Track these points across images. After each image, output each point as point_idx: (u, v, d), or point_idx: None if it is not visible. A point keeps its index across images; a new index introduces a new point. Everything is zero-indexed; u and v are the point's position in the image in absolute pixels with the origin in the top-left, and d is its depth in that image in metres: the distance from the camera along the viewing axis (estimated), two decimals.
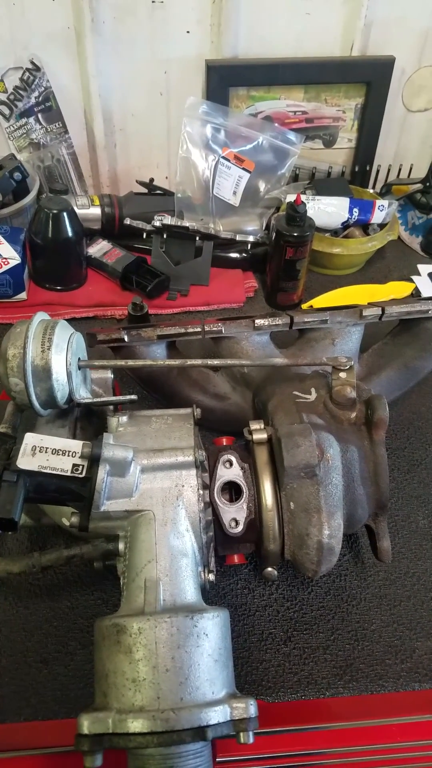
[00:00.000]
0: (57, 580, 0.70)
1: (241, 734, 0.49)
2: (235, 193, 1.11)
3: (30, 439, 0.58)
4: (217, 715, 0.48)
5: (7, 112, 1.10)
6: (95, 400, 0.67)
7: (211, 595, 0.69)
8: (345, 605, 0.69)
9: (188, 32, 1.07)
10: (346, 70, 1.14)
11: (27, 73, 1.07)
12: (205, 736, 0.47)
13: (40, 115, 1.12)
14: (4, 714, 0.61)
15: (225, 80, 1.11)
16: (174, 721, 0.47)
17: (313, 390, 0.66)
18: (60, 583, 0.70)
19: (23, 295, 1.01)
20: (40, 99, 1.10)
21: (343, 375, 0.64)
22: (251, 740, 0.49)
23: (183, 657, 0.49)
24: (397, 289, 1.04)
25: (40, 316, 0.64)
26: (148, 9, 1.04)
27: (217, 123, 1.09)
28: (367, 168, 1.24)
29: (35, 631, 0.66)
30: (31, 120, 1.12)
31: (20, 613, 0.67)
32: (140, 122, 1.17)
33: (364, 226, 1.11)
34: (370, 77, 1.14)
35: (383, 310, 0.75)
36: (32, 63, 1.07)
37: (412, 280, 1.09)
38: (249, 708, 0.49)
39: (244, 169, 1.09)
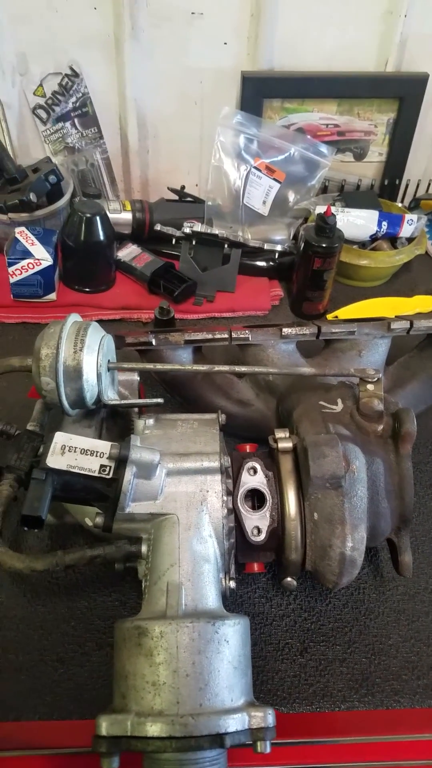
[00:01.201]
0: (75, 579, 0.70)
1: (259, 743, 0.49)
2: (264, 202, 1.12)
3: (60, 438, 0.58)
4: (235, 723, 0.48)
5: (44, 116, 1.12)
6: (123, 402, 0.67)
7: (230, 603, 0.68)
8: (363, 618, 0.69)
9: (225, 43, 1.09)
10: (379, 86, 1.14)
11: (66, 79, 1.10)
12: (223, 743, 0.47)
13: (76, 120, 1.14)
14: (19, 712, 0.62)
15: (259, 91, 1.12)
16: (192, 727, 0.47)
17: (339, 400, 0.66)
18: (78, 583, 0.70)
19: (53, 296, 1.03)
20: (77, 104, 1.12)
21: (370, 387, 0.64)
22: (268, 750, 0.48)
23: (203, 662, 0.49)
24: (423, 303, 1.04)
25: (74, 318, 0.65)
26: (187, 19, 1.05)
27: (250, 133, 1.10)
28: (397, 182, 1.24)
29: (53, 629, 0.67)
30: (68, 124, 1.14)
31: (38, 611, 0.68)
32: (173, 130, 1.19)
33: (392, 239, 1.11)
34: (403, 93, 1.15)
35: (411, 324, 0.75)
36: (71, 69, 1.09)
37: None
38: (267, 717, 0.49)
39: (274, 179, 1.10)
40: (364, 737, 0.65)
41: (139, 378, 0.73)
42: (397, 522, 0.62)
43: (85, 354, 0.61)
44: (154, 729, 0.47)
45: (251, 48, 1.10)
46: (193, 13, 1.05)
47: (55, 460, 0.57)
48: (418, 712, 0.64)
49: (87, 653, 0.66)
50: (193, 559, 0.55)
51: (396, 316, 0.79)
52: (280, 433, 0.64)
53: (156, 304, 0.91)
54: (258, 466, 0.62)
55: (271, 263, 1.10)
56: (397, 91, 1.15)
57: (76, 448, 0.57)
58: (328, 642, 0.67)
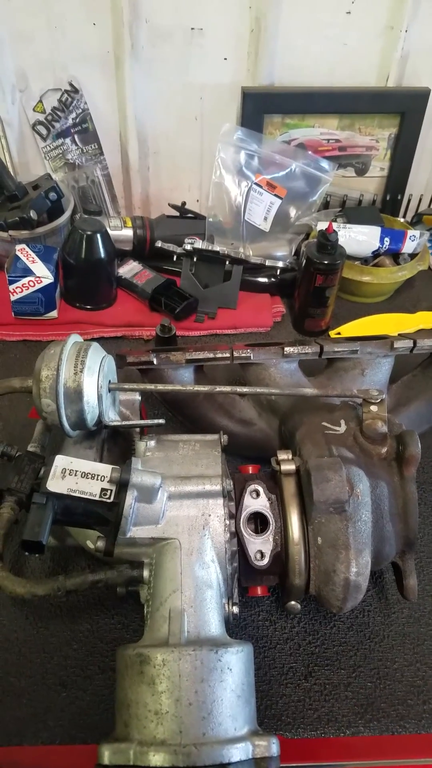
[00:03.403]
0: (77, 602, 0.70)
1: None
2: (266, 218, 1.12)
3: (60, 461, 0.58)
4: (239, 753, 0.47)
5: (44, 132, 1.13)
6: (124, 423, 0.67)
7: (232, 626, 0.68)
8: (367, 642, 0.68)
9: (225, 59, 1.10)
10: (380, 101, 1.15)
11: (65, 95, 1.10)
12: None
13: (76, 136, 1.15)
14: (21, 736, 0.61)
15: (260, 107, 1.12)
16: (195, 757, 0.46)
17: (342, 422, 0.66)
18: (80, 606, 0.70)
19: (54, 314, 1.03)
20: (77, 120, 1.13)
21: (374, 408, 0.63)
22: None
23: (206, 691, 0.49)
24: (426, 319, 1.04)
25: (74, 339, 0.65)
26: (187, 35, 1.06)
27: (251, 149, 1.10)
28: (399, 197, 1.24)
29: (55, 653, 0.66)
30: (68, 141, 1.15)
31: (40, 633, 0.67)
32: (174, 146, 1.19)
33: (395, 255, 1.11)
34: (405, 108, 1.15)
35: (415, 343, 0.74)
36: (71, 85, 1.10)
37: None
38: (271, 746, 0.49)
39: (275, 195, 1.10)
40: (369, 762, 0.64)
41: (140, 398, 0.73)
42: (402, 545, 0.61)
43: (85, 375, 0.61)
44: (156, 759, 0.46)
45: (251, 63, 1.10)
46: (192, 28, 1.05)
47: (55, 483, 0.56)
48: (424, 737, 0.63)
49: (90, 677, 0.65)
50: (196, 585, 0.55)
51: (399, 334, 0.79)
52: (282, 455, 0.63)
53: (157, 321, 0.91)
54: (260, 489, 0.61)
55: (272, 280, 1.10)
56: (399, 106, 1.16)
57: (76, 471, 0.57)
58: (332, 666, 0.66)
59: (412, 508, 0.59)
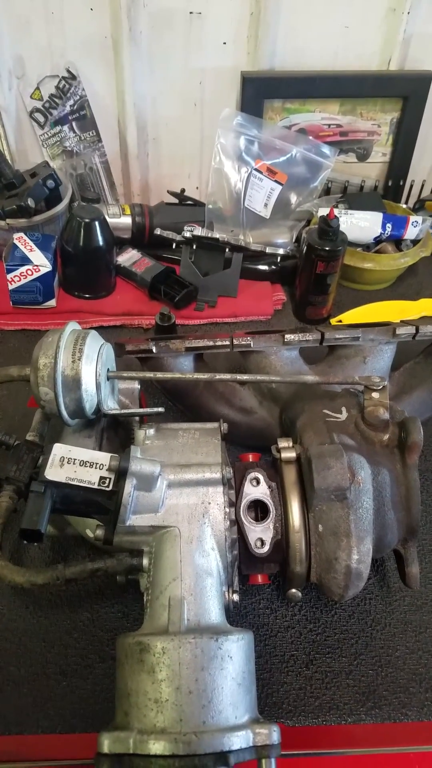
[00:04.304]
0: (78, 591, 0.70)
1: (264, 761, 0.47)
2: (266, 205, 1.10)
3: (58, 450, 0.58)
4: (239, 741, 0.47)
5: (42, 119, 1.11)
6: (123, 411, 0.66)
7: (233, 614, 0.68)
8: (369, 629, 0.68)
9: (225, 43, 1.08)
10: (382, 85, 1.13)
11: (63, 82, 1.09)
12: (227, 761, 0.46)
13: (74, 124, 1.13)
14: (22, 725, 0.61)
15: (260, 92, 1.10)
16: (196, 745, 0.46)
17: (344, 409, 0.65)
18: (81, 595, 0.69)
19: (52, 303, 1.02)
20: (75, 107, 1.11)
21: (375, 395, 0.62)
22: (273, 767, 0.47)
23: (206, 679, 0.48)
24: (429, 306, 1.02)
25: (72, 326, 0.64)
26: (186, 19, 1.04)
27: (251, 135, 1.09)
28: (401, 183, 1.22)
29: (55, 642, 0.66)
30: (65, 128, 1.13)
31: (41, 623, 0.67)
32: (173, 132, 1.18)
33: (397, 242, 1.10)
34: (407, 92, 1.13)
35: (417, 329, 0.73)
36: (68, 71, 1.08)
37: None
38: (272, 734, 0.48)
39: (276, 181, 1.08)
40: (371, 749, 0.64)
41: (139, 386, 0.73)
42: (404, 533, 0.61)
43: (83, 363, 0.60)
44: (157, 747, 0.46)
45: (251, 47, 1.08)
46: (191, 12, 1.04)
47: (54, 472, 0.56)
48: (426, 725, 0.62)
49: (90, 665, 0.65)
50: (196, 573, 0.54)
51: (401, 321, 0.78)
52: (283, 443, 0.63)
53: (157, 309, 0.90)
54: (261, 477, 0.61)
55: (273, 267, 1.09)
56: (401, 90, 1.14)
57: (75, 460, 0.57)
58: (334, 654, 0.66)
59: (414, 495, 0.59)
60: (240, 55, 1.09)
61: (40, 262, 0.96)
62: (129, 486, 0.55)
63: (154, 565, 0.56)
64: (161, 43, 1.06)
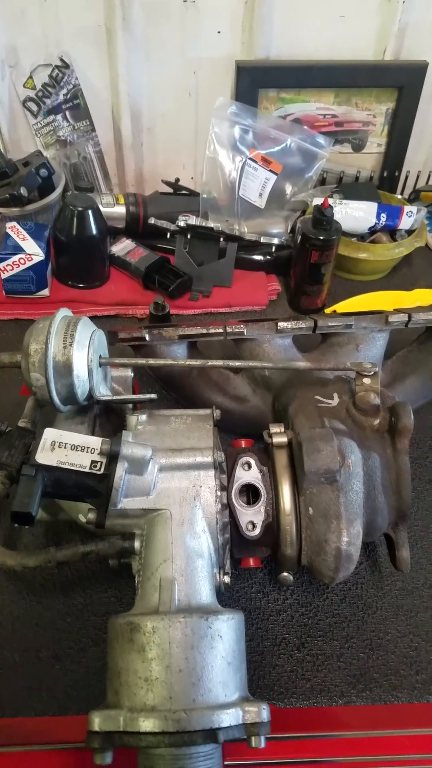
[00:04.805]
0: (71, 576, 0.70)
1: (253, 738, 0.48)
2: (261, 195, 1.10)
3: (49, 434, 0.58)
4: (229, 718, 0.48)
5: (35, 108, 1.11)
6: (115, 397, 0.67)
7: (226, 598, 0.68)
8: (360, 613, 0.68)
9: (219, 32, 1.07)
10: (378, 75, 1.12)
11: (56, 71, 1.08)
12: (217, 738, 0.47)
13: (67, 113, 1.13)
14: (16, 708, 0.61)
15: (255, 81, 1.10)
16: (185, 722, 0.46)
17: (335, 395, 0.65)
18: (74, 579, 0.70)
19: (46, 292, 1.02)
20: (69, 96, 1.11)
21: (367, 381, 0.63)
22: (263, 745, 0.48)
23: (196, 658, 0.49)
24: (424, 296, 1.03)
25: (63, 313, 0.64)
26: (180, 8, 1.04)
27: (246, 124, 1.08)
28: (396, 173, 1.22)
29: (48, 626, 0.66)
30: (59, 117, 1.13)
31: (34, 608, 0.68)
32: (168, 122, 1.17)
33: (392, 232, 1.10)
34: (403, 82, 1.13)
35: (410, 317, 0.74)
36: (62, 60, 1.08)
37: None
38: (261, 712, 0.49)
39: (271, 171, 1.08)
40: (361, 732, 0.64)
41: (132, 374, 0.73)
42: (395, 517, 0.61)
43: (75, 349, 0.60)
44: (146, 724, 0.46)
45: (246, 37, 1.08)
46: (185, 1, 1.03)
47: (45, 456, 0.56)
48: (416, 707, 0.63)
49: (83, 649, 0.65)
50: (187, 555, 0.55)
51: (395, 310, 0.78)
52: (275, 428, 0.63)
53: (151, 299, 0.90)
54: (252, 461, 0.61)
55: (268, 257, 1.09)
56: (396, 80, 1.13)
57: (66, 444, 0.57)
58: (325, 637, 0.66)
59: (405, 479, 0.59)
60: (235, 44, 1.09)
61: (33, 251, 0.96)
62: (120, 470, 0.56)
63: (146, 547, 0.56)
64: (155, 32, 1.06)
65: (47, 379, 0.59)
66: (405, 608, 0.69)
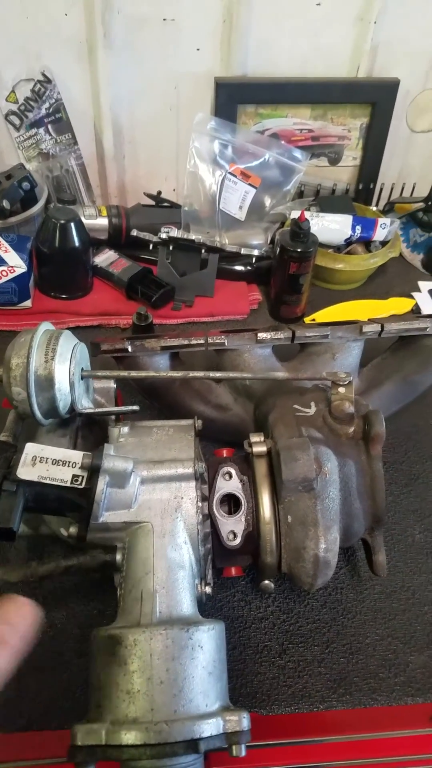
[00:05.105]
0: (54, 589, 0.70)
1: (234, 747, 0.49)
2: (241, 207, 1.12)
3: (30, 449, 0.58)
4: (210, 728, 0.48)
5: (17, 122, 1.12)
6: (97, 410, 0.67)
7: (208, 608, 0.69)
8: (341, 618, 0.69)
9: (198, 49, 1.10)
10: (352, 91, 1.16)
11: (38, 85, 1.09)
12: (198, 748, 0.47)
13: (50, 126, 1.14)
14: None
15: (233, 97, 1.13)
16: (167, 733, 0.47)
17: (312, 404, 0.67)
18: (57, 593, 0.70)
19: (28, 303, 1.02)
20: (51, 110, 1.12)
21: (342, 390, 0.64)
22: (243, 753, 0.49)
23: (177, 669, 0.49)
24: (398, 305, 1.05)
25: (45, 326, 0.64)
26: (160, 25, 1.06)
27: (225, 139, 1.10)
28: (371, 186, 1.25)
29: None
30: (41, 131, 1.14)
31: None
32: (149, 135, 1.19)
33: (367, 243, 1.13)
34: (376, 98, 1.16)
35: (382, 327, 0.76)
36: (44, 75, 1.09)
37: (412, 297, 1.11)
38: (242, 721, 0.49)
39: (250, 184, 1.10)
40: (342, 736, 0.65)
41: (115, 385, 0.73)
42: (371, 522, 0.63)
43: (57, 363, 0.60)
44: (128, 737, 0.47)
45: (224, 54, 1.10)
46: (164, 19, 1.05)
47: (26, 471, 0.56)
48: (395, 709, 0.64)
49: (66, 662, 0.65)
50: (168, 567, 0.55)
51: (369, 320, 0.80)
52: (255, 438, 0.64)
53: (134, 309, 0.91)
54: (233, 471, 0.62)
55: (248, 268, 1.11)
56: (370, 96, 1.17)
57: (47, 458, 0.57)
58: (306, 643, 0.67)
59: (378, 485, 0.60)
60: (213, 61, 1.11)
61: (15, 263, 0.97)
62: (102, 483, 0.56)
63: (128, 560, 0.57)
64: (136, 48, 1.08)
65: (29, 393, 0.60)
66: (383, 612, 0.70)
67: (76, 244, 1.00)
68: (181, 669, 0.49)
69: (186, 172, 1.12)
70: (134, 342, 0.76)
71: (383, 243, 1.12)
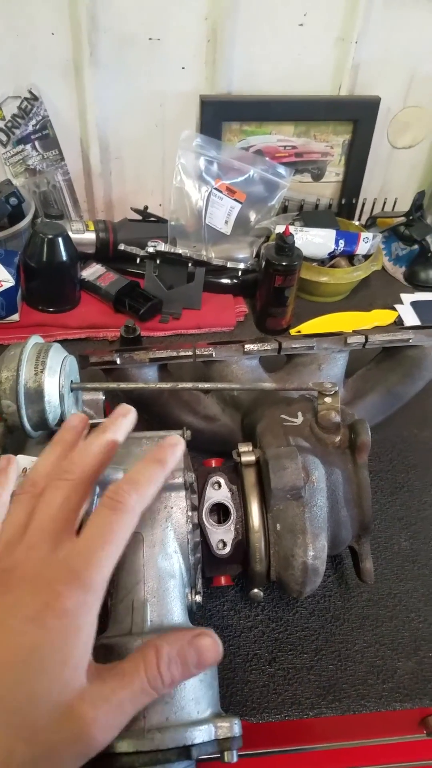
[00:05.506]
0: None
1: (225, 753, 0.49)
2: (227, 222, 1.14)
3: (21, 461, 0.59)
4: (202, 734, 0.49)
5: (4, 138, 1.13)
6: None
7: (198, 617, 0.69)
8: (329, 626, 0.70)
9: (183, 68, 1.12)
10: (334, 109, 1.19)
11: (25, 102, 1.11)
12: (190, 755, 0.48)
13: (36, 143, 1.15)
14: None
15: (218, 115, 1.15)
16: (159, 741, 0.47)
17: (299, 414, 0.68)
18: None
19: (16, 317, 1.03)
20: (38, 127, 1.14)
21: (328, 400, 0.66)
22: (235, 759, 0.49)
23: None
24: (381, 317, 1.08)
25: (34, 340, 0.65)
26: (146, 45, 1.08)
27: (210, 156, 1.13)
28: (354, 201, 1.29)
29: None
30: (28, 147, 1.15)
31: None
32: (136, 151, 1.21)
33: (350, 257, 1.15)
34: (357, 115, 1.20)
35: (367, 338, 0.78)
36: (30, 92, 1.10)
37: (395, 309, 1.13)
38: (233, 727, 0.50)
39: (235, 200, 1.13)
40: (332, 744, 0.66)
41: (104, 397, 0.74)
42: (358, 530, 0.64)
43: (46, 375, 0.61)
44: (121, 745, 0.47)
45: (209, 72, 1.13)
46: (150, 38, 1.08)
47: (16, 483, 0.57)
48: (384, 715, 0.65)
49: None
50: (159, 576, 0.56)
51: (354, 331, 0.82)
52: (243, 447, 0.65)
53: (122, 322, 0.92)
54: (222, 481, 0.63)
55: (235, 281, 1.13)
56: (352, 113, 1.20)
57: None
58: (295, 650, 0.68)
59: (365, 493, 0.62)
60: (198, 79, 1.14)
61: (3, 278, 0.97)
62: (92, 494, 0.57)
63: (118, 570, 0.57)
64: (122, 67, 1.10)
65: (18, 406, 0.60)
66: (371, 618, 0.71)
67: (64, 258, 1.02)
68: None
69: (172, 188, 1.14)
70: (123, 354, 0.77)
71: (366, 256, 1.15)
